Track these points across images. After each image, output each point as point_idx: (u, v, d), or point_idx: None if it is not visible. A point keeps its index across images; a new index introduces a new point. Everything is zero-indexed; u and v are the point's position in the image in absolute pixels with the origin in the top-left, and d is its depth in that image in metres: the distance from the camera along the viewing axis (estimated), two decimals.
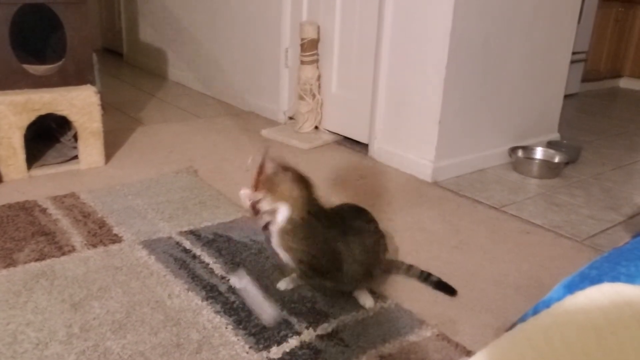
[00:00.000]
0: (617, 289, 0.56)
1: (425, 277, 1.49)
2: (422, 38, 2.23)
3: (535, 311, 0.65)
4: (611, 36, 4.73)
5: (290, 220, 1.27)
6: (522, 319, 0.64)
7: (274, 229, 1.29)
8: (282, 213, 1.26)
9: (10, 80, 2.02)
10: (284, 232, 1.27)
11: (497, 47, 2.35)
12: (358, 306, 1.37)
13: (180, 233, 1.69)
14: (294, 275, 1.42)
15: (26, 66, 2.06)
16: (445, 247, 1.73)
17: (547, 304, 0.63)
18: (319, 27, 2.73)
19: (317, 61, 2.77)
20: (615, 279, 0.74)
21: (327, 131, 2.83)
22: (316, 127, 2.85)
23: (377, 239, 1.39)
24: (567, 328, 0.50)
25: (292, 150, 2.61)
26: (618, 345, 0.48)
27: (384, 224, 1.82)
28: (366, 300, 1.37)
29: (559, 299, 0.62)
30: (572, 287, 0.74)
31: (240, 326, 1.26)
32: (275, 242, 1.30)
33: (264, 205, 1.27)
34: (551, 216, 2.00)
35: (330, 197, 2.07)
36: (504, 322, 1.34)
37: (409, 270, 1.52)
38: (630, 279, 0.73)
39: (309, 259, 1.29)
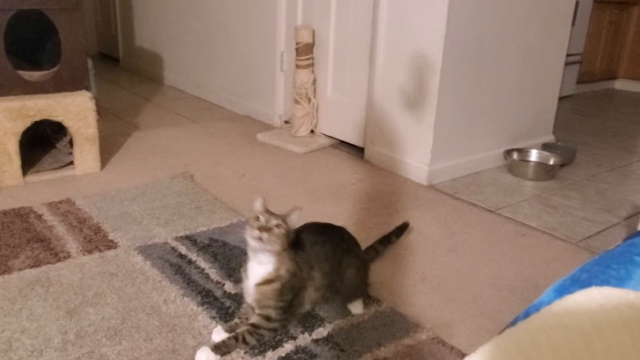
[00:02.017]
0: (605, 292, 0.56)
1: (389, 239, 1.62)
2: (416, 42, 2.23)
3: (527, 315, 0.65)
4: (606, 38, 4.75)
5: (277, 276, 1.20)
6: (514, 323, 0.65)
7: (253, 276, 1.22)
8: (270, 263, 1.20)
9: (4, 86, 2.02)
10: (266, 284, 1.21)
11: (491, 50, 2.36)
12: None
13: (176, 238, 1.69)
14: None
15: (21, 72, 2.06)
16: (440, 250, 1.73)
17: (537, 308, 0.64)
18: (314, 31, 2.74)
19: (312, 65, 2.78)
20: (605, 282, 0.74)
21: (322, 135, 2.84)
22: (312, 131, 2.85)
23: (344, 258, 1.33)
24: (555, 332, 0.50)
25: (288, 154, 2.61)
26: (605, 349, 0.48)
27: (379, 228, 1.82)
28: (351, 307, 1.36)
29: (549, 302, 0.63)
30: (563, 290, 0.74)
31: None
32: (250, 288, 1.22)
33: (267, 240, 1.15)
34: (546, 218, 2.01)
35: (326, 201, 2.07)
36: (499, 324, 1.34)
37: (381, 246, 1.61)
38: (620, 282, 0.73)
39: (278, 311, 1.23)
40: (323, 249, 1.30)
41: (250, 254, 1.22)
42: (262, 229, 1.14)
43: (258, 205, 1.20)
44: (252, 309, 1.27)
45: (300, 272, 1.23)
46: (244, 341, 1.20)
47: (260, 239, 1.14)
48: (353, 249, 1.38)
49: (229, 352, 1.18)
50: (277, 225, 1.16)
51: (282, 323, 1.25)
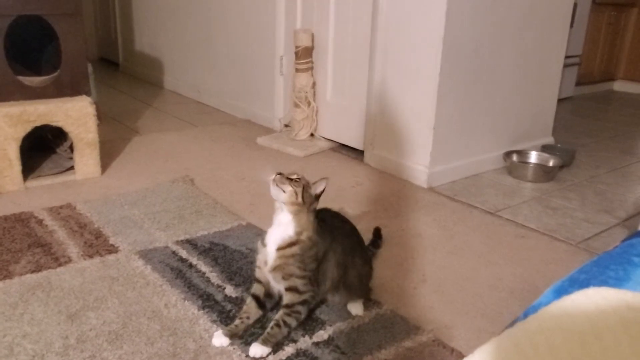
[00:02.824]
0: (602, 293, 0.56)
1: (377, 244, 1.70)
2: (415, 45, 2.24)
3: (526, 316, 0.66)
4: (604, 39, 4.75)
5: (298, 240, 1.24)
6: (513, 324, 0.65)
7: (273, 241, 1.26)
8: (290, 224, 1.24)
9: (5, 92, 2.02)
10: (287, 248, 1.24)
11: (489, 53, 2.36)
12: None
13: (177, 242, 1.70)
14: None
15: (21, 78, 2.07)
16: (440, 252, 1.73)
17: (536, 309, 0.64)
18: (313, 35, 2.75)
19: (311, 69, 2.78)
20: (604, 282, 0.74)
21: (322, 138, 2.84)
22: (312, 135, 2.86)
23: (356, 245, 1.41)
24: (553, 333, 0.51)
25: (288, 157, 2.62)
26: (602, 350, 0.49)
27: (374, 227, 1.82)
28: (352, 309, 1.37)
29: (547, 303, 0.63)
30: (561, 291, 0.74)
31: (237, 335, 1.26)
32: (270, 254, 1.26)
33: (279, 181, 1.22)
34: (546, 220, 2.01)
35: (325, 204, 2.07)
36: (500, 326, 1.35)
37: (372, 249, 1.66)
38: (618, 282, 0.74)
39: (304, 280, 1.26)
40: (342, 226, 1.37)
41: (273, 218, 1.27)
42: (278, 173, 1.23)
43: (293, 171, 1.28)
44: (258, 303, 1.29)
45: (322, 242, 1.27)
46: (285, 324, 1.24)
47: (273, 180, 1.22)
48: (361, 240, 1.43)
49: (277, 341, 1.22)
50: (296, 180, 1.23)
51: (310, 294, 1.27)
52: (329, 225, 1.32)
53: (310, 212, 1.25)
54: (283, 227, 1.24)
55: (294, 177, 1.24)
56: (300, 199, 1.22)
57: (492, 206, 2.12)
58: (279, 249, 1.24)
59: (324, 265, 1.29)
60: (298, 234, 1.24)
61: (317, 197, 1.27)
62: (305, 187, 1.24)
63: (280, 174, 1.24)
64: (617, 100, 4.70)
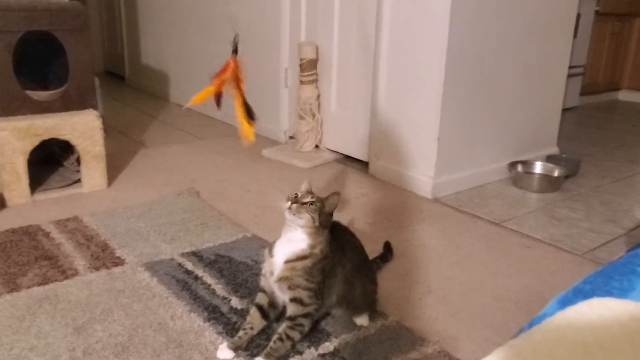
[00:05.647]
0: (606, 303, 0.57)
1: (386, 257, 1.70)
2: (419, 56, 2.26)
3: (530, 327, 0.66)
4: (608, 49, 4.76)
5: (310, 253, 1.23)
6: (518, 335, 0.65)
7: (281, 253, 1.25)
8: (302, 241, 1.23)
9: (13, 106, 2.05)
10: (298, 261, 1.23)
11: (493, 63, 2.37)
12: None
13: (182, 254, 1.70)
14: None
15: (29, 92, 2.09)
16: (445, 262, 1.73)
17: (540, 320, 0.64)
18: (317, 47, 2.77)
19: (316, 81, 2.80)
20: (608, 293, 0.75)
21: (327, 150, 2.85)
22: (317, 146, 2.87)
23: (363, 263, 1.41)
24: (556, 344, 0.51)
25: (293, 169, 2.63)
26: None
27: (384, 242, 1.83)
28: (357, 320, 1.37)
29: (552, 314, 0.63)
30: (566, 302, 0.74)
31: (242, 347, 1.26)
32: (277, 265, 1.25)
33: (295, 211, 1.20)
34: (551, 230, 2.01)
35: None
36: (506, 337, 1.34)
37: (381, 262, 1.66)
38: (622, 292, 0.74)
39: (310, 293, 1.25)
40: (351, 241, 1.37)
41: (283, 231, 1.27)
42: (294, 201, 1.22)
43: (303, 186, 1.28)
44: (262, 313, 1.29)
45: (332, 256, 1.27)
46: (288, 338, 1.23)
47: (289, 209, 1.21)
48: (367, 257, 1.43)
49: (280, 355, 1.22)
50: (311, 202, 1.22)
51: (314, 307, 1.26)
52: (339, 240, 1.32)
53: (325, 229, 1.25)
54: (295, 242, 1.24)
55: (308, 200, 1.22)
56: (317, 223, 1.22)
57: (497, 217, 2.12)
58: (288, 261, 1.24)
59: (331, 280, 1.28)
60: (311, 247, 1.23)
61: (331, 213, 1.27)
62: (322, 210, 1.23)
63: (295, 201, 1.22)
64: (621, 110, 4.70)
